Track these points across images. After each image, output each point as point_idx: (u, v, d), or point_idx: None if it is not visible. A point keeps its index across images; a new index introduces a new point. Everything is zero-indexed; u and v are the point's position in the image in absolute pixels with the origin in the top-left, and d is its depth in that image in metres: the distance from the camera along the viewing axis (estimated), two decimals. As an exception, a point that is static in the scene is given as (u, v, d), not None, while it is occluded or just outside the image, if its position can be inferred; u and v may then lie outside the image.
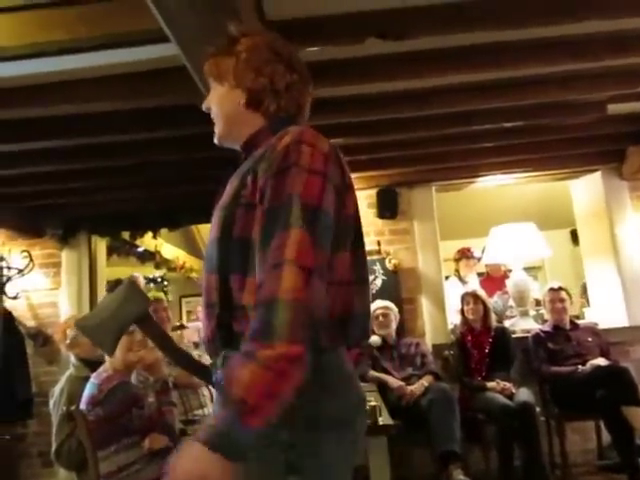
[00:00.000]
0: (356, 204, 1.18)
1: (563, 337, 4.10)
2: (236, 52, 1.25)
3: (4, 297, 4.43)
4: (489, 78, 2.97)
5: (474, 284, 5.07)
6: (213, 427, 0.91)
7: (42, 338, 4.52)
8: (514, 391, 3.72)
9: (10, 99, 2.71)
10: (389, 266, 4.53)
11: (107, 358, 2.63)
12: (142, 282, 6.08)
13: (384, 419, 2.47)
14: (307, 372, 0.95)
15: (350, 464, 1.12)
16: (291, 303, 0.93)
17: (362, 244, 1.20)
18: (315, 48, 2.37)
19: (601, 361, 3.85)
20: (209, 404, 3.45)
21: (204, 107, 1.34)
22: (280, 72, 1.24)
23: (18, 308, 4.58)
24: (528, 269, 6.55)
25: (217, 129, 1.31)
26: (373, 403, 2.43)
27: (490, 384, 3.79)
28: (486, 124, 3.53)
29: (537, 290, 5.26)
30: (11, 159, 3.41)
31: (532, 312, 4.81)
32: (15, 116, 2.93)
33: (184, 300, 9.26)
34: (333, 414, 1.05)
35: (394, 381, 3.83)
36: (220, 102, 1.29)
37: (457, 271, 5.28)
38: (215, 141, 1.33)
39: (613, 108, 3.45)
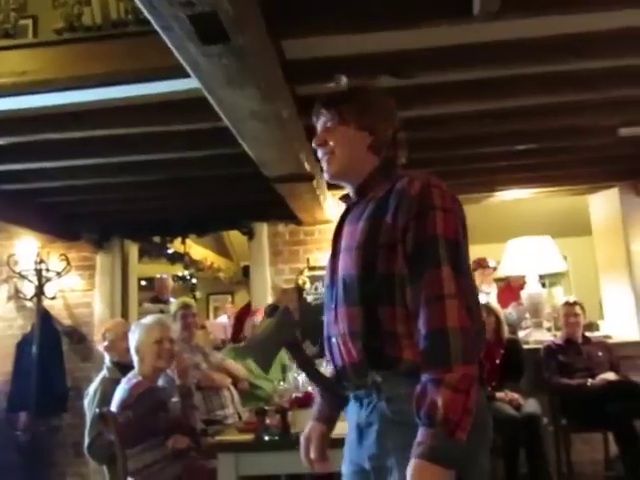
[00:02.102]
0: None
1: (574, 350, 4.21)
2: (360, 99, 1.45)
3: (43, 297, 4.73)
4: (499, 107, 3.11)
5: (492, 294, 5.19)
6: (429, 446, 1.10)
7: (77, 336, 4.81)
8: (522, 402, 3.84)
9: (55, 123, 2.95)
10: (406, 276, 4.67)
11: (136, 364, 2.87)
12: (171, 282, 6.35)
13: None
14: None
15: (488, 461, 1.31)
16: (459, 330, 1.15)
17: None
18: (331, 85, 2.54)
19: (611, 375, 3.96)
20: (230, 405, 3.66)
21: (316, 144, 1.47)
22: (397, 125, 1.46)
23: (55, 307, 4.87)
24: (551, 276, 6.65)
25: (332, 166, 1.44)
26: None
27: (499, 394, 3.92)
28: (499, 146, 3.66)
29: (560, 296, 5.34)
30: (55, 173, 3.69)
31: (546, 324, 4.91)
32: (59, 137, 3.17)
33: (212, 297, 9.59)
34: (479, 416, 1.21)
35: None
36: (345, 142, 1.42)
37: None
38: (326, 177, 1.48)
39: (625, 131, 3.54)
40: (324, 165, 1.47)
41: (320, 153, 1.47)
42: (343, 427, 1.47)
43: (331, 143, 1.43)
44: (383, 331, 1.26)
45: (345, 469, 1.41)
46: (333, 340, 1.36)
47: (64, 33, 2.64)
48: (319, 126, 1.48)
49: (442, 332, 1.15)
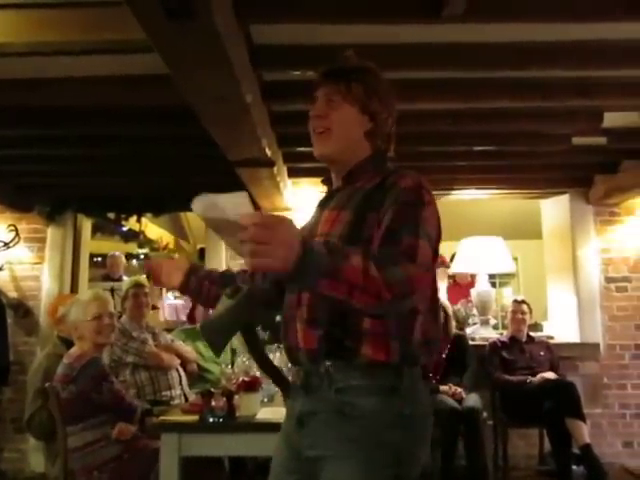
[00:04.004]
0: None
1: (518, 349, 4.36)
2: (369, 81, 1.38)
3: (-12, 268, 4.60)
4: (462, 107, 3.17)
5: (442, 291, 5.31)
6: (318, 247, 1.02)
7: (23, 310, 4.69)
8: (464, 396, 3.97)
9: (9, 90, 2.86)
10: (361, 268, 4.73)
11: (76, 342, 2.82)
12: (123, 260, 6.24)
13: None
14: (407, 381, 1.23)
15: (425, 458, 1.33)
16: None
17: None
18: (297, 72, 2.55)
19: (550, 375, 4.12)
20: (177, 386, 3.65)
21: (316, 113, 1.38)
22: (394, 117, 1.42)
23: (1, 279, 4.74)
24: (502, 276, 6.83)
25: (327, 145, 1.37)
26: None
27: (442, 387, 4.03)
28: (459, 146, 3.74)
29: (509, 296, 5.51)
30: (8, 141, 3.57)
31: (493, 321, 5.06)
32: (13, 104, 3.07)
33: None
34: (423, 416, 1.28)
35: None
36: (346, 122, 1.36)
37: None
38: (316, 154, 1.40)
39: (578, 140, 3.66)
40: (316, 141, 1.39)
41: (314, 124, 1.39)
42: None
43: (332, 118, 1.36)
44: (347, 324, 1.24)
45: (279, 454, 1.39)
46: (292, 323, 1.34)
47: (21, -3, 2.55)
48: (321, 96, 1.39)
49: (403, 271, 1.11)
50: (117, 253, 6.20)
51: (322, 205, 1.42)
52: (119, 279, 5.74)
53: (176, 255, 8.24)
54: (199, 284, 1.52)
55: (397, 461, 1.22)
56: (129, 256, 7.74)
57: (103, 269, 6.41)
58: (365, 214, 1.26)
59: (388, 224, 1.21)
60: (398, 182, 1.27)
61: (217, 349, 1.51)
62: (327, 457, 1.24)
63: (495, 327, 5.14)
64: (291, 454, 1.35)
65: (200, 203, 1.15)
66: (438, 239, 1.28)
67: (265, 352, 1.59)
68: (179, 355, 3.75)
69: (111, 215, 5.12)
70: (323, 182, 1.51)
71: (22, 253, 4.79)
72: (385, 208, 1.23)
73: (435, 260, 1.27)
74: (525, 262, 7.38)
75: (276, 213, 4.61)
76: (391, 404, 1.24)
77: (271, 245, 0.96)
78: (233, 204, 1.08)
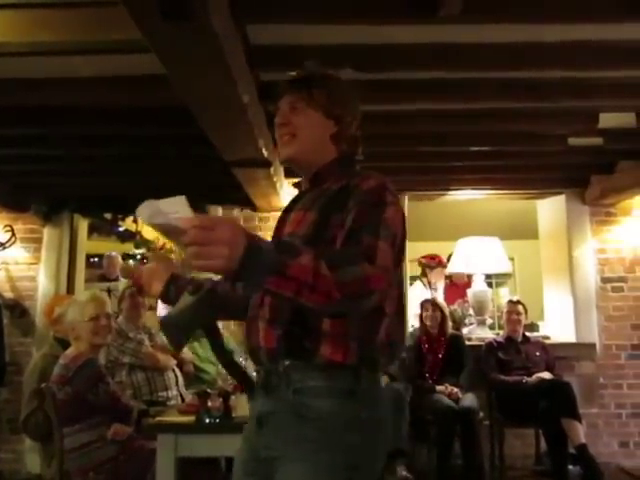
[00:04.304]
0: None
1: (514, 349, 4.37)
2: (331, 86, 1.43)
3: (-16, 268, 4.58)
4: (458, 108, 3.18)
5: (439, 291, 5.32)
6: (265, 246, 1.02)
7: (19, 310, 4.68)
8: (460, 396, 3.98)
9: (7, 89, 2.85)
10: (357, 268, 4.73)
11: (73, 342, 2.82)
12: (120, 261, 6.23)
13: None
14: (364, 385, 1.24)
15: (383, 462, 1.34)
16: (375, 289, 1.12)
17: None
18: (293, 73, 2.55)
19: (546, 375, 4.13)
20: (173, 387, 3.65)
21: (280, 121, 1.41)
22: (359, 121, 1.45)
23: (-3, 279, 4.73)
24: (498, 276, 6.84)
25: (290, 148, 1.40)
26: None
27: (439, 387, 4.04)
28: (455, 146, 3.74)
29: (505, 297, 5.52)
30: (5, 141, 3.55)
31: (489, 321, 5.07)
32: (10, 103, 3.06)
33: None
34: (380, 419, 1.28)
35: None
36: (310, 126, 1.39)
37: (425, 276, 5.49)
38: (280, 158, 1.43)
39: (574, 141, 3.67)
40: (281, 145, 1.42)
41: (280, 132, 1.42)
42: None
43: (295, 124, 1.39)
44: (307, 325, 1.24)
45: (240, 455, 1.39)
46: (254, 323, 1.35)
47: (20, -3, 2.55)
48: (285, 104, 1.42)
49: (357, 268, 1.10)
50: (114, 253, 6.19)
51: (290, 207, 1.45)
52: (116, 279, 5.73)
53: (173, 256, 8.23)
54: (178, 293, 1.52)
55: (352, 465, 1.22)
56: (126, 256, 7.73)
57: (99, 269, 6.40)
58: (329, 215, 1.28)
59: (350, 225, 1.22)
60: (361, 184, 1.29)
61: (177, 345, 1.51)
62: (282, 458, 1.24)
63: (491, 327, 5.15)
64: (250, 455, 1.35)
65: (145, 210, 1.15)
66: (403, 239, 1.28)
67: (228, 351, 1.60)
68: (175, 356, 3.75)
69: (108, 215, 5.12)
70: (294, 185, 1.54)
71: (18, 253, 4.77)
72: (348, 209, 1.25)
73: (400, 260, 1.28)
74: (521, 262, 7.38)
75: (274, 214, 4.65)
76: (348, 407, 1.24)
77: (212, 246, 0.96)
78: (173, 209, 1.09)
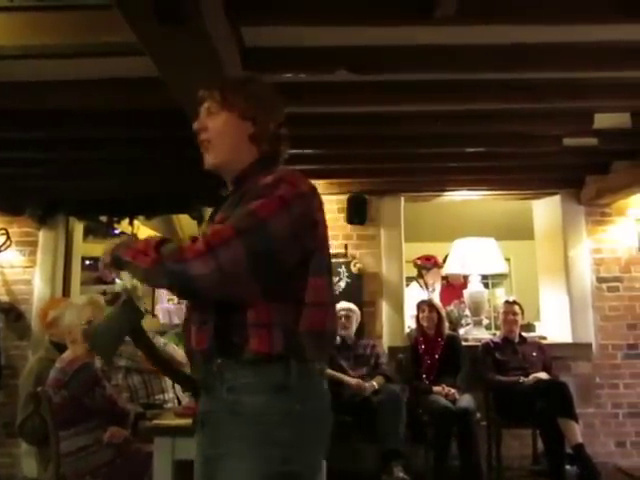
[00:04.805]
0: (327, 239, 1.38)
1: (511, 349, 4.38)
2: (249, 88, 1.45)
3: (-21, 272, 4.56)
4: (453, 109, 3.18)
5: (437, 291, 5.32)
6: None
7: (14, 314, 4.66)
8: (457, 396, 3.98)
9: (1, 93, 2.84)
10: (354, 269, 4.75)
11: (70, 345, 2.81)
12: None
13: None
14: (296, 379, 1.24)
15: (323, 455, 1.35)
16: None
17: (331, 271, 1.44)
18: (289, 75, 2.55)
19: (542, 375, 4.14)
20: (170, 390, 3.63)
21: (197, 126, 1.44)
22: (280, 119, 1.46)
23: (-8, 283, 4.71)
24: (494, 276, 6.86)
25: (211, 156, 1.43)
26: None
27: (436, 388, 4.04)
28: (451, 147, 3.75)
29: (502, 297, 5.54)
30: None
31: (486, 321, 5.08)
32: (5, 107, 3.05)
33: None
34: (316, 413, 1.28)
35: (351, 378, 4.05)
36: (226, 129, 1.41)
37: (421, 277, 5.49)
38: (205, 165, 1.45)
39: (569, 141, 3.68)
40: (203, 154, 1.45)
41: (198, 139, 1.45)
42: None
43: (210, 128, 1.42)
44: (232, 319, 1.27)
45: (195, 458, 1.41)
46: (188, 326, 1.38)
47: (15, 0, 2.54)
48: (202, 110, 1.46)
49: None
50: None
51: (216, 211, 1.46)
52: (112, 282, 5.70)
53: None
54: None
55: (286, 459, 1.23)
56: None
57: (95, 272, 6.37)
58: None
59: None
60: (262, 180, 1.31)
61: (107, 358, 1.51)
62: (221, 456, 1.27)
63: (488, 328, 5.16)
64: (200, 457, 1.38)
65: None
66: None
67: (161, 355, 1.59)
68: (172, 359, 3.74)
69: (103, 218, 5.08)
70: (221, 191, 1.57)
71: (13, 257, 4.76)
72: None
73: (313, 248, 1.31)
74: (517, 263, 7.40)
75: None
76: (281, 401, 1.26)
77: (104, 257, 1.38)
78: None
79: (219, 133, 1.41)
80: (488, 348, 4.38)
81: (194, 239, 1.25)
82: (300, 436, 1.25)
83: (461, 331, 4.87)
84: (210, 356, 1.30)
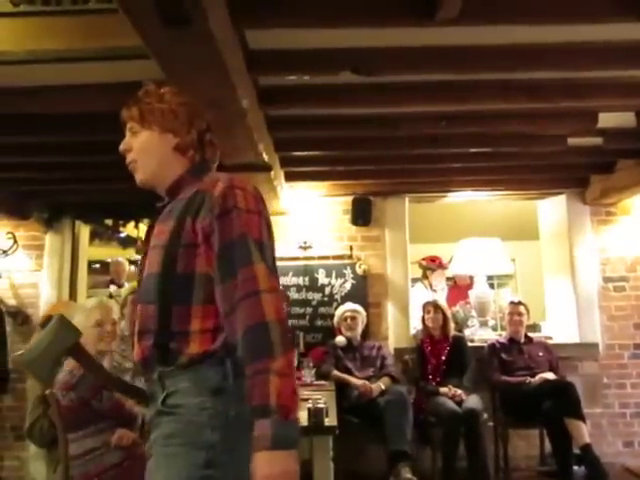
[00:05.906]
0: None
1: (517, 350, 4.37)
2: (166, 101, 1.45)
3: (-14, 276, 4.59)
4: (456, 109, 3.18)
5: (443, 292, 5.31)
6: (270, 436, 1.12)
7: (22, 317, 4.68)
8: (464, 398, 3.97)
9: (8, 98, 2.86)
10: (359, 271, 4.75)
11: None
12: (127, 266, 6.23)
13: (330, 420, 2.68)
14: (232, 381, 1.24)
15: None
16: (277, 323, 1.18)
17: None
18: (293, 77, 2.56)
19: (549, 375, 4.13)
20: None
21: (122, 149, 1.47)
22: (203, 127, 1.47)
23: (0, 287, 4.73)
24: (500, 277, 6.84)
25: (139, 174, 1.44)
26: (321, 405, 2.64)
27: (442, 389, 4.04)
28: (454, 148, 3.75)
29: (507, 298, 5.51)
30: (6, 149, 3.56)
31: (492, 322, 5.07)
32: (11, 111, 3.07)
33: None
34: (247, 417, 1.23)
35: (358, 380, 4.06)
36: (150, 145, 1.43)
37: (426, 278, 5.49)
38: (138, 183, 1.46)
39: (573, 141, 3.68)
40: (132, 172, 1.47)
41: (127, 160, 1.47)
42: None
43: (136, 148, 1.44)
44: (173, 329, 1.29)
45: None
46: (132, 339, 1.40)
47: (21, 5, 2.56)
48: (126, 131, 1.48)
49: (263, 325, 1.18)
50: (120, 259, 6.18)
51: (152, 225, 1.47)
52: (122, 285, 5.74)
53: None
54: None
55: (212, 462, 1.22)
56: (129, 262, 7.73)
57: (101, 275, 6.40)
58: (184, 221, 1.31)
59: (217, 246, 1.26)
60: (211, 189, 1.31)
61: (43, 380, 1.55)
62: (155, 456, 1.28)
63: (494, 328, 5.15)
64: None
65: None
66: (263, 239, 1.28)
67: (103, 370, 1.61)
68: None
69: (109, 221, 5.12)
70: (156, 204, 1.54)
71: (20, 260, 4.78)
72: (202, 216, 1.28)
73: (269, 260, 1.29)
74: (523, 263, 7.37)
75: (275, 217, 4.65)
76: (215, 404, 1.26)
77: None
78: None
79: (143, 151, 1.43)
80: (494, 349, 4.38)
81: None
82: (229, 440, 1.25)
83: (467, 332, 4.86)
84: (150, 365, 1.33)
